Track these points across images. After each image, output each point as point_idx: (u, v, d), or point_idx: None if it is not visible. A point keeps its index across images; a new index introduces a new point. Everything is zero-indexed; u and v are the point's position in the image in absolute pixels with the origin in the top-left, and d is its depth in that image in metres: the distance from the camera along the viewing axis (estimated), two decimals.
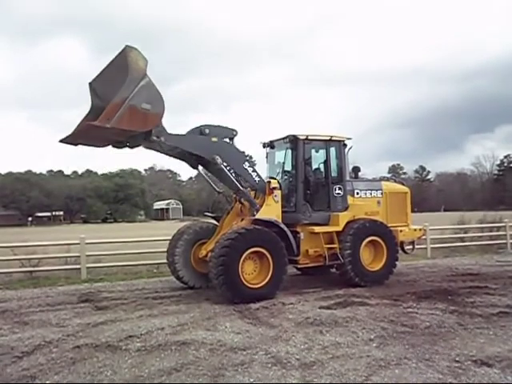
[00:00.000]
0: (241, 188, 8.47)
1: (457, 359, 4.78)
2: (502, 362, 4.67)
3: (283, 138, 9.30)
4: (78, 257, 11.12)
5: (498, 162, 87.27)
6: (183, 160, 8.68)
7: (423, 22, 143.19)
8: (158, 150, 8.02)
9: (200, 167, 8.85)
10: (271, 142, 9.63)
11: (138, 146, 7.90)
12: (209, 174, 9.23)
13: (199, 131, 8.18)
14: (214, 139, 8.22)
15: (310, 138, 9.11)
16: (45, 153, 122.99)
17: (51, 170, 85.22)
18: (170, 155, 8.38)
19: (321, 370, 4.56)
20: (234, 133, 8.60)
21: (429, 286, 8.89)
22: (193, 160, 8.63)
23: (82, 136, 7.37)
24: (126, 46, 6.87)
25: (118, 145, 7.94)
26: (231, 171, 8.41)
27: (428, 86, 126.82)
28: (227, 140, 8.55)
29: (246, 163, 8.54)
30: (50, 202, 69.53)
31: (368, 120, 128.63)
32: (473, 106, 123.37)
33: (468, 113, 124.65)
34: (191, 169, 8.85)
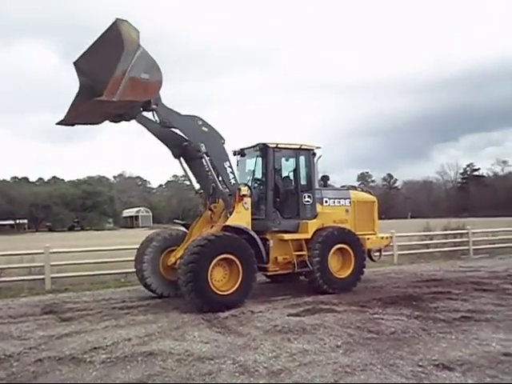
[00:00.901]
0: (219, 185, 8.51)
1: (420, 364, 4.90)
2: (463, 366, 4.81)
3: (253, 146, 9.36)
4: (42, 267, 10.79)
5: (462, 171, 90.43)
6: (167, 145, 8.71)
7: (394, 34, 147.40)
8: (147, 127, 8.16)
9: (182, 160, 8.89)
10: (242, 149, 9.67)
11: (133, 118, 8.05)
12: (187, 171, 9.23)
13: (194, 117, 8.34)
14: (205, 129, 8.37)
15: (279, 146, 9.21)
16: (8, 158, 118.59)
17: (15, 177, 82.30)
18: (157, 136, 8.44)
19: (288, 378, 4.58)
20: (222, 141, 8.68)
21: (395, 292, 9.09)
22: (177, 147, 8.71)
23: (83, 115, 7.59)
24: (117, 19, 6.93)
25: (117, 119, 8.09)
26: (212, 166, 8.49)
27: (397, 97, 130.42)
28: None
29: (227, 163, 8.63)
30: (13, 210, 67.18)
31: (339, 128, 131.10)
32: (439, 116, 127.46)
33: (434, 122, 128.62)
34: (172, 158, 8.87)
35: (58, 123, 7.73)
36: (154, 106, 7.78)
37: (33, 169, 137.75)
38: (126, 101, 7.12)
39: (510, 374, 4.54)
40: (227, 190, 8.60)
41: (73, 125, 8.02)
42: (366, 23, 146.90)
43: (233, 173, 8.71)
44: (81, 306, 8.39)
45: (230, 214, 8.38)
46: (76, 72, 7.78)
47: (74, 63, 7.76)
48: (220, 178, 8.58)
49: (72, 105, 7.69)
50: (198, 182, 9.28)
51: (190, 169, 9.06)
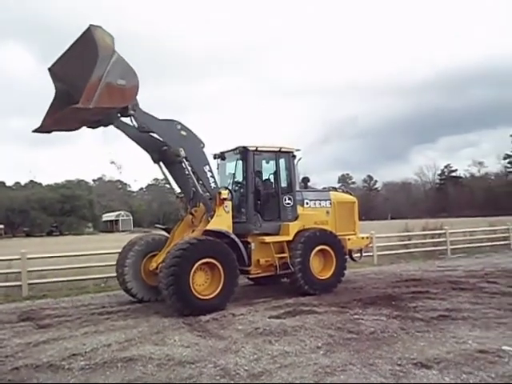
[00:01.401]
0: (200, 189, 8.49)
1: (398, 362, 4.97)
2: (440, 364, 4.90)
3: (233, 150, 9.37)
4: (19, 273, 10.56)
5: (440, 172, 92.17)
6: (146, 150, 8.68)
7: (374, 37, 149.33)
8: (126, 133, 8.11)
9: (162, 164, 8.85)
10: (222, 153, 9.68)
11: (111, 123, 8.01)
12: (167, 176, 9.15)
13: (173, 123, 8.29)
14: (184, 133, 8.34)
15: (259, 149, 9.24)
16: None
17: None
18: (136, 141, 8.39)
19: (269, 380, 4.60)
20: (202, 145, 8.66)
21: (374, 292, 9.20)
22: (156, 152, 8.67)
23: (60, 122, 7.45)
24: (90, 25, 6.84)
25: (94, 125, 8.01)
26: (192, 170, 8.46)
27: (377, 99, 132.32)
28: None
29: (207, 167, 8.62)
30: None
31: (319, 131, 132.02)
32: (417, 118, 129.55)
33: (413, 124, 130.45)
34: (152, 163, 8.83)
35: (35, 131, 7.60)
36: (132, 112, 7.71)
37: (9, 173, 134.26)
38: (103, 107, 7.06)
39: (486, 371, 4.65)
40: (208, 193, 8.58)
41: (49, 132, 7.92)
42: (348, 25, 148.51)
43: (213, 176, 8.69)
44: (59, 313, 8.24)
45: (211, 218, 8.37)
46: (51, 78, 7.67)
47: (49, 69, 7.63)
48: (200, 182, 8.56)
49: (48, 111, 7.60)
50: (178, 186, 9.25)
51: (170, 173, 9.01)
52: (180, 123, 8.36)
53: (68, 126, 8.00)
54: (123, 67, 7.22)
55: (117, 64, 7.07)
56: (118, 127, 8.05)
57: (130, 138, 8.24)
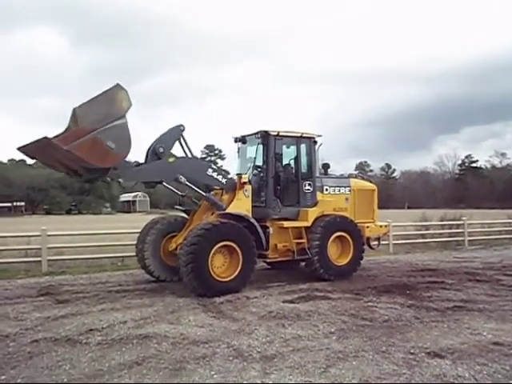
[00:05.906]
0: (204, 195, 8.50)
1: (411, 351, 4.95)
2: (454, 354, 4.87)
3: (255, 134, 9.30)
4: (39, 249, 10.82)
5: (460, 162, 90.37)
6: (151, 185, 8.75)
7: (396, 25, 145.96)
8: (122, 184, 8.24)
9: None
10: (243, 137, 9.62)
11: (93, 181, 8.03)
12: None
13: (154, 151, 7.96)
14: (171, 160, 8.07)
15: (281, 134, 9.18)
16: (7, 141, 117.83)
17: (13, 159, 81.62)
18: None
19: (281, 363, 4.64)
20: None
21: (389, 280, 9.15)
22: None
23: (39, 151, 6.97)
24: (117, 84, 6.90)
25: (71, 174, 7.67)
26: (196, 184, 8.38)
27: (399, 88, 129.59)
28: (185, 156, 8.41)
29: (210, 170, 8.52)
30: (10, 193, 66.96)
31: (339, 118, 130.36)
32: (441, 108, 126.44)
33: (436, 114, 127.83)
34: None
35: (19, 149, 6.83)
36: (109, 180, 7.84)
37: None
38: (76, 156, 6.60)
39: (500, 363, 4.61)
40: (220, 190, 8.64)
41: (33, 157, 7.50)
42: (371, 12, 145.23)
43: (220, 173, 8.60)
44: (77, 289, 8.43)
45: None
46: (70, 116, 7.15)
47: (74, 109, 7.14)
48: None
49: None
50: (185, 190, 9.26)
51: (177, 188, 9.06)
52: (158, 142, 7.97)
53: (47, 160, 7.51)
54: (122, 134, 7.05)
55: (118, 128, 6.95)
56: (112, 180, 8.10)
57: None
